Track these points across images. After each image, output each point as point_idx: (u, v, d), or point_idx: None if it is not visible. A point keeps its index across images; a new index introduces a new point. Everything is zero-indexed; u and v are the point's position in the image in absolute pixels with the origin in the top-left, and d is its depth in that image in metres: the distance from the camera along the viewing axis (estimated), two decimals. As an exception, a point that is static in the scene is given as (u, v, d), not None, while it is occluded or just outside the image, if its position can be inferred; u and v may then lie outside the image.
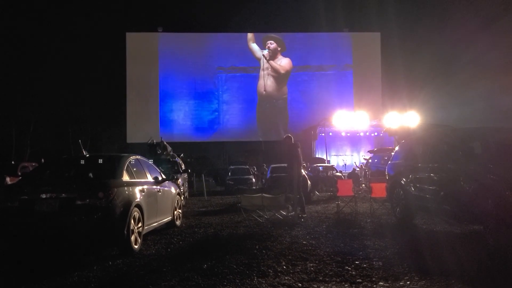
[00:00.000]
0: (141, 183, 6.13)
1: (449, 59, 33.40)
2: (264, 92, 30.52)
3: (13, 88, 31.28)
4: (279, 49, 30.75)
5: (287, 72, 30.84)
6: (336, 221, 8.20)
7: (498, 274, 4.17)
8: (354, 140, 26.54)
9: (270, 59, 30.60)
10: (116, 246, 5.50)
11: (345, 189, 9.89)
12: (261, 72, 30.67)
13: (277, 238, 6.36)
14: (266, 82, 30.55)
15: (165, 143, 16.80)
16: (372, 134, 26.31)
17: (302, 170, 14.06)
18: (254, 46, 30.73)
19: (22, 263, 5.27)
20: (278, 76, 30.68)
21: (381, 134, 25.81)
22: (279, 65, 30.69)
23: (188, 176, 14.84)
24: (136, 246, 5.50)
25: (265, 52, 30.46)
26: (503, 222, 4.93)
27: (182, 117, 30.14)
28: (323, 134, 25.12)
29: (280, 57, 30.83)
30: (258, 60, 30.74)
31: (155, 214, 6.48)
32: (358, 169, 19.80)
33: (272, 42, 30.75)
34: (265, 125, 30.51)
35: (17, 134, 31.13)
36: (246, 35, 30.93)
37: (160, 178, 7.00)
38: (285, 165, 13.96)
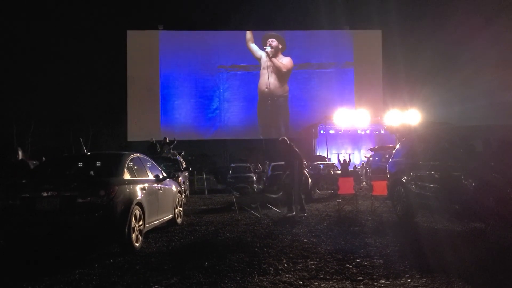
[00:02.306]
0: (142, 181, 6.14)
1: (450, 57, 33.37)
2: (266, 90, 30.45)
3: (13, 86, 31.31)
4: (280, 47, 30.71)
5: (289, 71, 30.82)
6: (337, 219, 8.20)
7: (499, 272, 4.17)
8: (355, 138, 26.50)
9: (272, 57, 30.56)
10: (117, 244, 5.51)
11: (346, 187, 9.89)
12: (262, 71, 30.62)
13: (278, 236, 6.36)
14: (269, 80, 30.47)
15: (167, 140, 16.82)
16: (375, 132, 26.26)
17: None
18: (253, 46, 30.68)
19: (23, 261, 5.28)
20: (280, 74, 30.66)
21: (382, 132, 25.78)
22: (282, 63, 30.66)
23: (189, 174, 14.86)
24: (137, 244, 5.51)
25: (268, 49, 30.40)
26: (505, 220, 4.93)
27: (183, 115, 30.12)
28: (323, 132, 25.09)
29: (280, 56, 30.81)
30: (258, 59, 30.68)
31: (156, 212, 6.48)
32: (359, 167, 19.85)
33: (273, 40, 30.71)
34: (266, 123, 30.48)
35: (18, 132, 31.15)
36: (245, 35, 30.85)
37: (161, 176, 7.01)
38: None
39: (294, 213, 8.51)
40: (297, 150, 9.11)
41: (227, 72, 30.58)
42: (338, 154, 21.72)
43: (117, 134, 33.04)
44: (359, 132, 26.13)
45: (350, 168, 20.83)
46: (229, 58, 30.60)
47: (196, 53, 30.28)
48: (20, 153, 7.23)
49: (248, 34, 30.77)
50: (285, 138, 9.36)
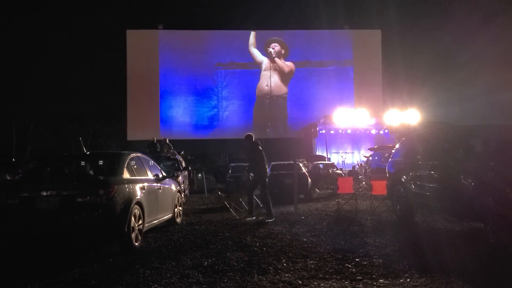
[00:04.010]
0: (141, 181, 6.13)
1: (450, 56, 33.38)
2: (266, 87, 30.34)
3: (13, 86, 31.27)
4: (283, 52, 30.70)
5: (291, 72, 30.79)
6: (336, 218, 8.21)
7: (498, 272, 4.18)
8: (354, 138, 26.52)
9: (275, 57, 30.54)
10: (117, 243, 5.51)
11: (346, 187, 9.90)
12: (264, 72, 30.55)
13: (277, 235, 6.37)
14: (270, 79, 30.38)
15: (167, 141, 16.83)
16: (373, 131, 26.27)
17: (303, 168, 14.12)
18: (255, 51, 30.64)
19: (22, 260, 5.27)
20: (282, 74, 30.61)
21: (381, 132, 25.80)
22: (284, 63, 30.63)
23: (188, 173, 14.85)
24: (136, 243, 5.51)
25: (271, 50, 30.36)
26: (504, 220, 4.93)
27: (182, 114, 30.08)
28: (323, 132, 25.10)
29: (283, 60, 30.85)
30: (259, 64, 30.63)
31: (155, 212, 6.48)
32: (358, 167, 19.88)
33: (276, 44, 30.72)
34: (264, 122, 30.42)
35: (18, 132, 31.12)
36: (248, 34, 30.78)
37: (160, 176, 7.00)
38: (286, 162, 13.99)
39: (254, 217, 8.12)
40: (261, 148, 8.50)
41: (225, 70, 30.52)
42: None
43: (117, 134, 33.05)
44: (358, 131, 26.14)
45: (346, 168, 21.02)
46: (228, 56, 30.54)
47: (195, 51, 30.22)
48: None
49: (251, 38, 30.66)
50: (251, 134, 8.81)
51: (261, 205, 8.52)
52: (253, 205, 8.38)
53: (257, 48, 30.61)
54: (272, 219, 8.01)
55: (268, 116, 30.23)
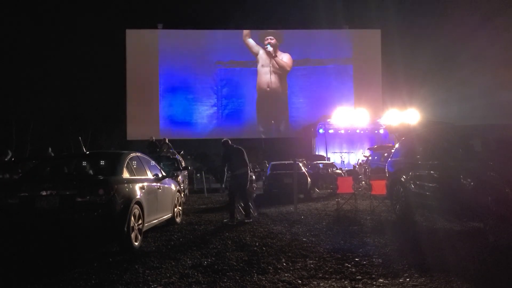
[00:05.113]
0: (141, 180, 6.13)
1: (449, 56, 33.34)
2: (268, 89, 30.34)
3: (12, 85, 31.25)
4: (278, 44, 30.67)
5: (290, 68, 30.79)
6: (336, 218, 8.21)
7: (498, 271, 4.18)
8: (354, 138, 26.51)
9: (274, 56, 30.50)
10: (117, 243, 5.51)
11: (345, 187, 9.91)
12: (262, 68, 30.47)
13: (277, 235, 6.37)
14: (271, 79, 30.32)
15: (166, 141, 16.83)
16: (375, 131, 26.27)
17: (302, 167, 14.12)
18: (251, 41, 30.57)
19: (22, 260, 5.27)
20: (282, 73, 30.60)
21: (381, 131, 25.81)
22: (284, 61, 30.57)
23: (188, 173, 14.85)
24: (136, 243, 5.51)
25: (270, 48, 30.29)
26: (503, 219, 4.94)
27: (182, 113, 30.07)
28: (322, 131, 25.11)
29: (279, 52, 30.76)
30: (255, 55, 30.59)
31: (155, 211, 6.49)
32: (357, 166, 19.87)
33: (271, 37, 30.62)
34: (265, 122, 30.42)
35: (17, 131, 31.10)
36: (248, 33, 30.78)
37: (160, 175, 7.01)
38: (286, 162, 13.99)
39: (235, 223, 7.84)
40: (238, 147, 8.39)
41: (225, 68, 30.51)
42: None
43: (117, 133, 33.01)
44: (358, 131, 26.15)
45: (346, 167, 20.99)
46: (227, 54, 30.52)
47: (194, 50, 30.19)
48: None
49: (245, 30, 30.74)
50: (228, 140, 8.63)
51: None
52: (250, 207, 8.34)
53: (252, 38, 30.60)
54: (233, 222, 7.72)
55: (271, 115, 30.22)
